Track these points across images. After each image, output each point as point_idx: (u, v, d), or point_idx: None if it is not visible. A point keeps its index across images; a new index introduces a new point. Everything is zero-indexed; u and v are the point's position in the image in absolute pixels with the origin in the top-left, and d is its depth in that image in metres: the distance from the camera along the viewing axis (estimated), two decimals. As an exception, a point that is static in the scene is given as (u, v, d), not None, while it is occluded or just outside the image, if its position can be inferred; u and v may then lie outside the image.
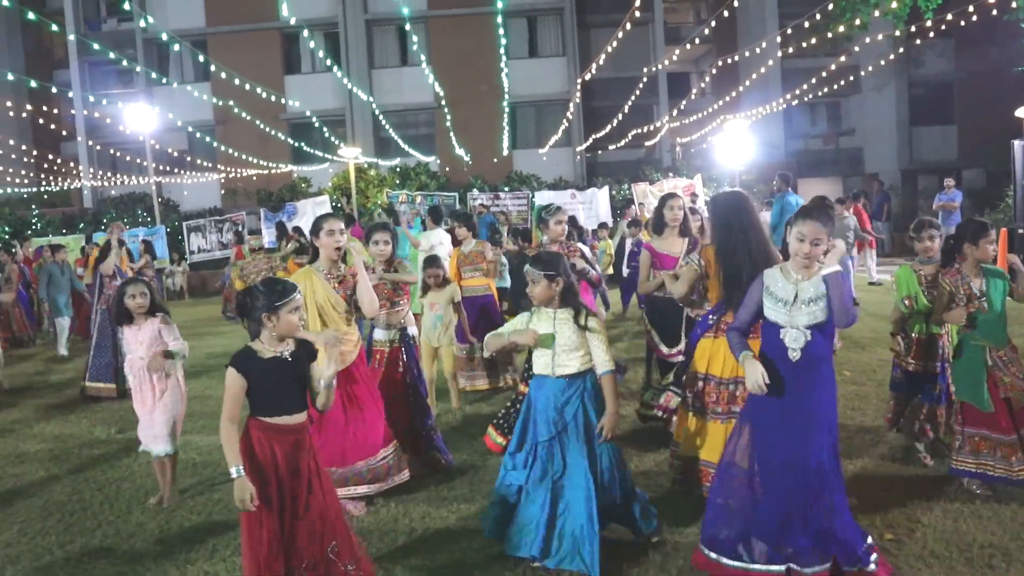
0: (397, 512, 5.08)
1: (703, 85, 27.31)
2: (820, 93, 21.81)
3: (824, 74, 19.21)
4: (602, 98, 29.14)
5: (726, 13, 17.05)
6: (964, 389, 4.97)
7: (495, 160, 27.42)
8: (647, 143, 28.37)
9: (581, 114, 28.84)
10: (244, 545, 3.64)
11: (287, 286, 3.70)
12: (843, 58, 18.76)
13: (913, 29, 16.88)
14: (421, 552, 4.51)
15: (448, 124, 25.28)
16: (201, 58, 19.38)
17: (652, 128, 26.55)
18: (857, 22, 17.36)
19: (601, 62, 19.00)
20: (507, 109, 25.40)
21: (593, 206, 21.81)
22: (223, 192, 29.10)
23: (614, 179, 24.34)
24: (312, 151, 26.07)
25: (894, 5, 15.99)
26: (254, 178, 27.27)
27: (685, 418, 4.99)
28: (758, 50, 19.38)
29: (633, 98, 23.15)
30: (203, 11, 29.78)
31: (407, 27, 23.21)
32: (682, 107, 24.75)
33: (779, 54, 20.53)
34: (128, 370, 5.60)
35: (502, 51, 19.46)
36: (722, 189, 17.33)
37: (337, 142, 24.46)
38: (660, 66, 26.89)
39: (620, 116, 23.07)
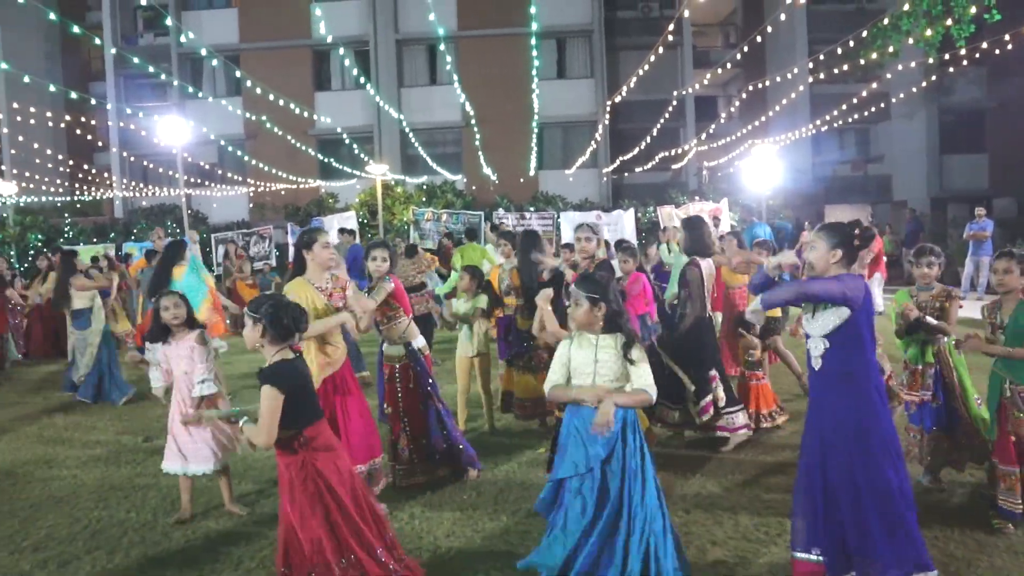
0: (421, 528, 5.06)
1: (731, 109, 27.28)
2: (849, 119, 21.68)
3: (854, 100, 19.11)
4: (629, 120, 29.19)
5: (759, 39, 17.03)
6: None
7: (521, 180, 27.47)
8: (674, 166, 28.33)
9: (608, 136, 28.86)
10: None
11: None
12: (874, 85, 18.66)
13: (946, 57, 16.75)
14: (446, 571, 4.48)
15: (476, 143, 25.40)
16: (238, 73, 19.62)
17: (679, 151, 26.51)
18: (890, 49, 17.27)
19: (631, 84, 19.03)
20: (535, 129, 25.49)
21: (619, 228, 21.76)
22: (251, 206, 29.35)
23: (640, 201, 24.32)
24: (340, 167, 26.22)
25: (928, 33, 15.89)
26: (282, 192, 27.47)
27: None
28: (789, 75, 19.30)
29: (661, 121, 23.15)
30: (237, 27, 30.23)
31: (440, 47, 23.43)
32: (710, 131, 24.70)
33: (809, 80, 20.45)
34: (160, 385, 5.54)
35: (533, 72, 19.52)
36: (752, 217, 17.28)
37: (365, 158, 24.57)
38: (688, 90, 26.87)
39: (648, 139, 23.07)
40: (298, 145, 24.72)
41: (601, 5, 29.79)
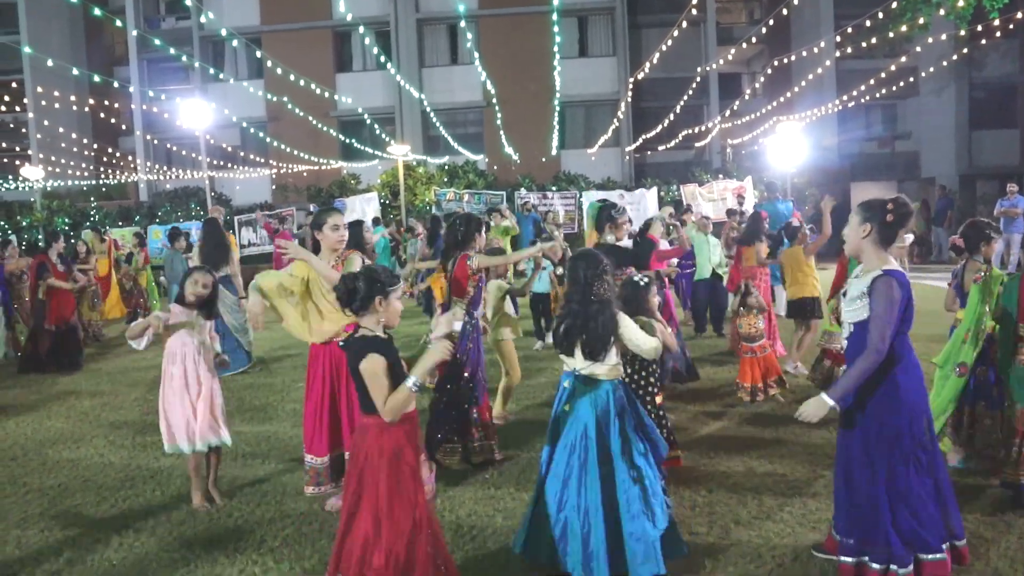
0: (443, 507, 5.07)
1: (756, 86, 26.95)
2: (876, 95, 21.34)
3: (882, 76, 18.79)
4: (652, 98, 28.92)
5: (784, 12, 16.78)
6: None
7: (543, 159, 27.43)
8: (697, 144, 28.10)
9: (631, 114, 28.60)
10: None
11: (393, 273, 3.69)
12: (902, 59, 18.33)
13: (978, 29, 16.40)
14: (467, 550, 4.49)
15: (497, 123, 25.35)
16: (258, 54, 19.63)
17: (703, 129, 26.28)
18: (920, 22, 16.94)
19: (653, 62, 18.84)
20: (557, 109, 25.36)
21: (641, 207, 21.64)
22: (274, 188, 29.52)
23: (663, 180, 24.15)
24: (362, 148, 26.31)
25: (960, 4, 15.56)
26: (304, 174, 27.60)
27: None
28: (816, 50, 18.99)
29: (684, 99, 22.92)
30: (258, 9, 30.29)
31: (461, 24, 23.34)
32: (734, 108, 24.45)
33: (835, 55, 20.14)
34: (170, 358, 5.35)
35: (555, 50, 19.38)
36: (776, 194, 17.06)
37: (387, 139, 24.68)
38: (712, 67, 26.59)
39: (671, 117, 22.85)
40: (320, 126, 24.84)
41: None
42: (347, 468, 3.71)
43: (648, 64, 19.20)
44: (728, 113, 24.83)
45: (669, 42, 17.24)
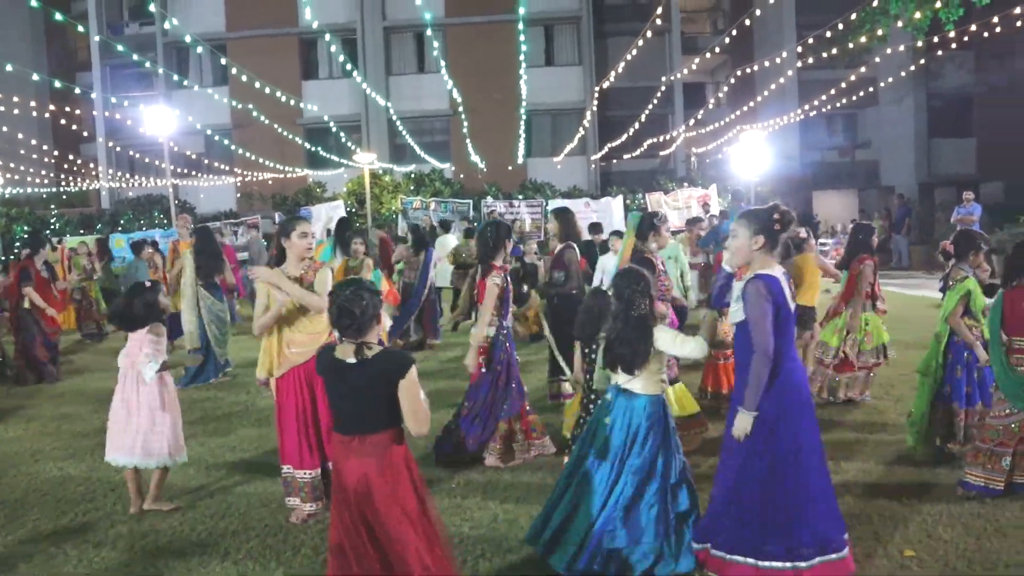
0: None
1: (719, 96, 27.25)
2: (837, 105, 21.70)
3: (842, 85, 19.11)
4: (617, 107, 29.12)
5: (747, 22, 17.01)
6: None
7: (510, 168, 27.46)
8: (662, 153, 28.31)
9: (596, 123, 28.81)
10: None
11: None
12: (862, 69, 18.64)
13: (935, 40, 16.75)
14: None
15: (464, 131, 25.40)
16: (223, 61, 19.46)
17: (667, 138, 26.48)
18: (879, 33, 17.23)
19: (619, 71, 18.99)
20: (523, 117, 25.49)
21: (607, 215, 21.76)
22: (239, 195, 29.26)
23: (628, 188, 24.29)
24: (328, 156, 26.20)
25: (916, 16, 15.85)
26: (269, 182, 27.42)
27: None
28: (778, 60, 19.26)
29: (649, 108, 23.08)
30: (224, 16, 30.07)
31: (428, 33, 23.36)
32: (698, 117, 24.68)
33: (797, 65, 20.44)
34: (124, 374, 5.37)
35: (521, 59, 19.46)
36: (740, 202, 17.27)
37: (353, 147, 24.53)
38: (676, 76, 26.83)
39: (636, 125, 23.02)
40: (285, 134, 24.64)
41: None
42: (349, 498, 3.41)
43: (613, 73, 19.33)
44: (692, 122, 25.10)
45: (634, 51, 17.42)
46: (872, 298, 7.48)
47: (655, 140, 25.79)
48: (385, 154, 28.44)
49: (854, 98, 20.67)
